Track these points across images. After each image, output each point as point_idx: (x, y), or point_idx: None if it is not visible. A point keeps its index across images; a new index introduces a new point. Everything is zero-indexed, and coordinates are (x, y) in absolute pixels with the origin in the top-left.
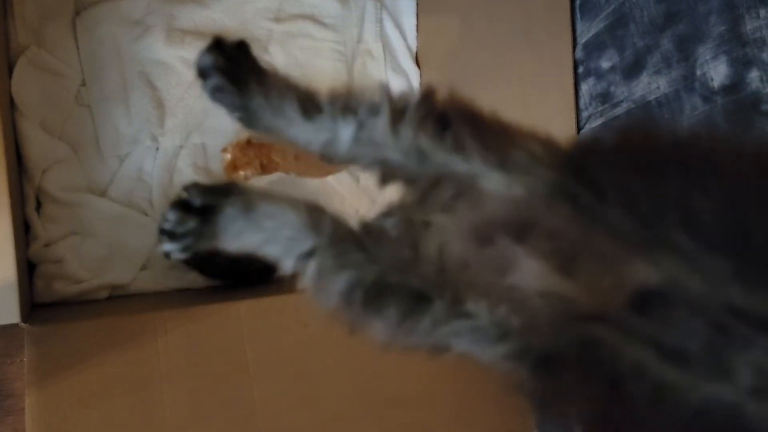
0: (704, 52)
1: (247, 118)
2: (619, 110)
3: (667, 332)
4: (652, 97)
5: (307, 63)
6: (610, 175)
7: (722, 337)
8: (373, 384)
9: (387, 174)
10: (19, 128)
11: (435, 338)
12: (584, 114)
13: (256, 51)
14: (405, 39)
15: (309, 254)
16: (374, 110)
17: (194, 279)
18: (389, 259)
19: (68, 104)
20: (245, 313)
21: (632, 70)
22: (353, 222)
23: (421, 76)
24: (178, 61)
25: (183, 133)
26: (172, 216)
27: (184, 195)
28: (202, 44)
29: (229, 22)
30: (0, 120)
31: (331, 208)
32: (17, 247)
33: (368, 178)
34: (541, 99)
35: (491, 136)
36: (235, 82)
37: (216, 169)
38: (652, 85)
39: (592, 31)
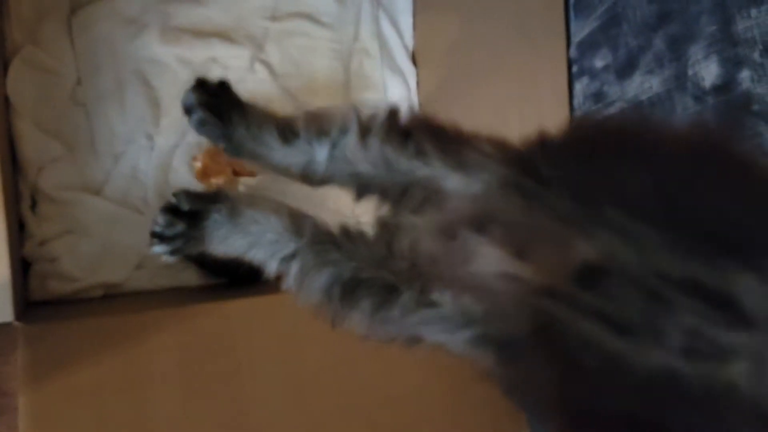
0: (696, 52)
1: (232, 147)
2: (612, 110)
3: (610, 304)
4: (644, 97)
5: (304, 61)
6: (554, 164)
7: (655, 303)
8: (365, 383)
9: (361, 188)
10: (14, 127)
11: (406, 327)
12: (578, 113)
13: (252, 49)
14: (401, 37)
15: (292, 256)
16: (344, 129)
17: (188, 278)
18: (365, 257)
19: (63, 103)
20: (239, 312)
21: (625, 69)
22: (334, 225)
23: (417, 74)
24: (173, 60)
25: (178, 131)
26: (162, 219)
27: (174, 200)
28: (197, 42)
29: (224, 21)
30: None
31: (313, 212)
32: (11, 246)
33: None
34: (536, 98)
35: (448, 141)
36: (218, 116)
37: None
38: (644, 84)
39: (586, 30)
